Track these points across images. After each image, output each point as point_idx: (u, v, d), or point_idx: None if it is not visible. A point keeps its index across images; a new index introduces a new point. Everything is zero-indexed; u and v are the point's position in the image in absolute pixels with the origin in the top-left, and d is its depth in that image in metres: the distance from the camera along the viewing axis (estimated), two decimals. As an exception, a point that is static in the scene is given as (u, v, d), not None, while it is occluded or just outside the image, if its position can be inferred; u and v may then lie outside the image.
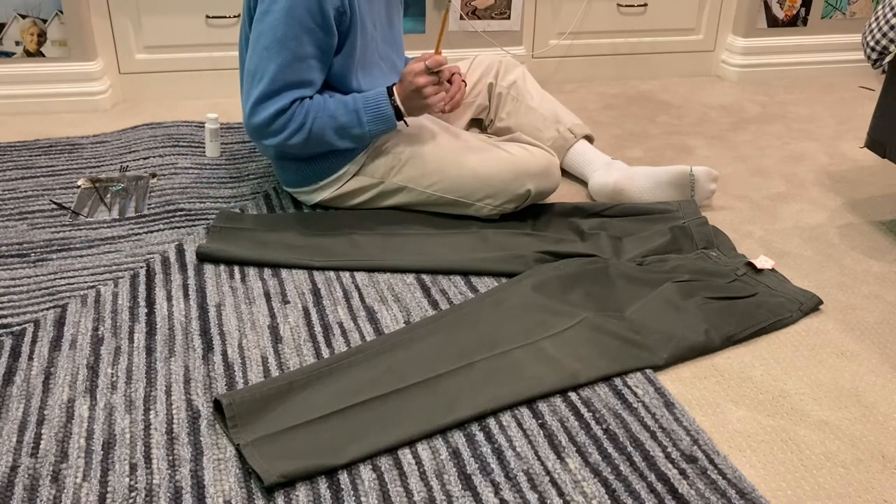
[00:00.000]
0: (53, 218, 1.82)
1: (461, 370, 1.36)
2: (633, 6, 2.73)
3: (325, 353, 1.42)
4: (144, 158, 2.10)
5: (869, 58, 1.77)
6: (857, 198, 2.07)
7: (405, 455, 1.22)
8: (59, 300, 1.54)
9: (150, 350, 1.41)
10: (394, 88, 1.70)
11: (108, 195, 1.93)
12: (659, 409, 1.31)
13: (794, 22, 2.84)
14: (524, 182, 1.77)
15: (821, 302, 1.61)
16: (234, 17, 2.46)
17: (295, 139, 1.68)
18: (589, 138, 2.07)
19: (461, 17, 2.59)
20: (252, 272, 1.64)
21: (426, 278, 1.64)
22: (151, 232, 1.77)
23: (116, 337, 1.45)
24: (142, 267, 1.65)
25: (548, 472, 1.19)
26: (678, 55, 2.86)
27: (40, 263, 1.65)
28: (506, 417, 1.29)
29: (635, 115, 2.55)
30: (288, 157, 1.80)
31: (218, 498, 1.14)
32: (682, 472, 1.19)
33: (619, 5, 2.72)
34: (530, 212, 1.86)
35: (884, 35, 1.71)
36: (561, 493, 1.16)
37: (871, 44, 1.74)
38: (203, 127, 2.26)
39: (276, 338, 1.46)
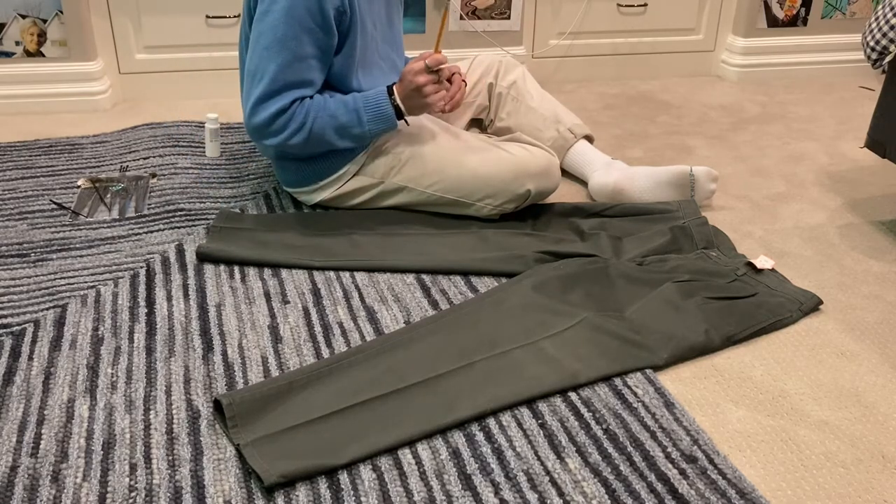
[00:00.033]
0: (53, 218, 1.82)
1: (461, 370, 1.36)
2: (633, 6, 2.73)
3: (325, 353, 1.42)
4: (144, 158, 2.10)
5: (869, 58, 1.77)
6: (857, 198, 2.07)
7: (405, 455, 1.22)
8: (59, 300, 1.54)
9: (150, 350, 1.41)
10: (394, 88, 1.70)
11: (108, 195, 1.93)
12: (659, 409, 1.31)
13: (794, 22, 2.84)
14: (524, 182, 1.77)
15: (821, 302, 1.61)
16: (234, 17, 2.46)
17: (295, 139, 1.68)
18: (589, 138, 2.07)
19: (461, 17, 2.59)
20: (252, 272, 1.64)
21: (426, 278, 1.64)
22: (151, 232, 1.77)
23: (116, 337, 1.45)
24: (142, 267, 1.65)
25: (548, 472, 1.19)
26: (678, 55, 2.86)
27: (40, 263, 1.65)
28: (506, 417, 1.29)
29: (635, 115, 2.55)
30: (288, 157, 1.80)
31: (218, 498, 1.14)
32: (682, 472, 1.19)
33: (619, 5, 2.72)
34: (530, 212, 1.86)
35: (884, 35, 1.71)
36: (561, 493, 1.16)
37: (871, 44, 1.74)
38: (203, 127, 2.26)
39: (276, 338, 1.46)
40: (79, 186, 1.97)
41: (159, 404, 1.30)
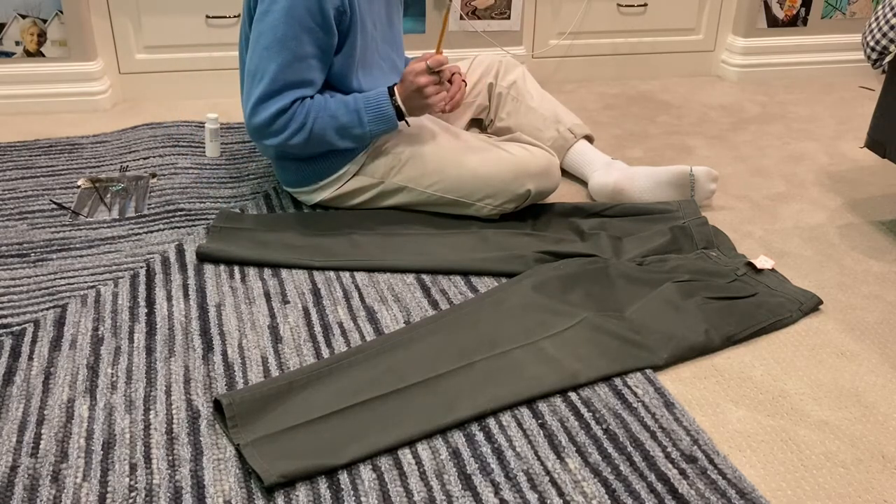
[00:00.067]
0: (53, 218, 1.82)
1: (461, 370, 1.36)
2: (633, 6, 2.73)
3: (325, 353, 1.42)
4: (144, 158, 2.10)
5: (869, 58, 1.77)
6: (857, 198, 2.07)
7: (405, 455, 1.22)
8: (59, 300, 1.54)
9: (150, 350, 1.41)
10: (395, 88, 1.70)
11: (108, 195, 1.93)
12: (659, 409, 1.31)
13: (794, 22, 2.84)
14: (524, 182, 1.77)
15: (821, 302, 1.61)
16: (234, 17, 2.46)
17: (296, 139, 1.68)
18: (589, 138, 2.07)
19: (461, 17, 2.59)
20: (252, 272, 1.64)
21: (426, 278, 1.64)
22: (151, 232, 1.77)
23: (116, 337, 1.45)
24: (142, 267, 1.65)
25: (548, 472, 1.19)
26: (678, 55, 2.86)
27: (40, 263, 1.65)
28: (506, 417, 1.29)
29: (635, 115, 2.55)
30: (288, 157, 1.80)
31: (218, 498, 1.14)
32: (682, 472, 1.19)
33: (619, 5, 2.72)
34: (530, 212, 1.86)
35: (884, 35, 1.71)
36: (561, 493, 1.16)
37: (871, 44, 1.74)
38: (203, 127, 2.26)
39: (276, 338, 1.46)
40: (79, 186, 1.97)
41: (159, 404, 1.30)
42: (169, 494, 1.14)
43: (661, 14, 2.77)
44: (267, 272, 1.64)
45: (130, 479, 1.16)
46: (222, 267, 1.66)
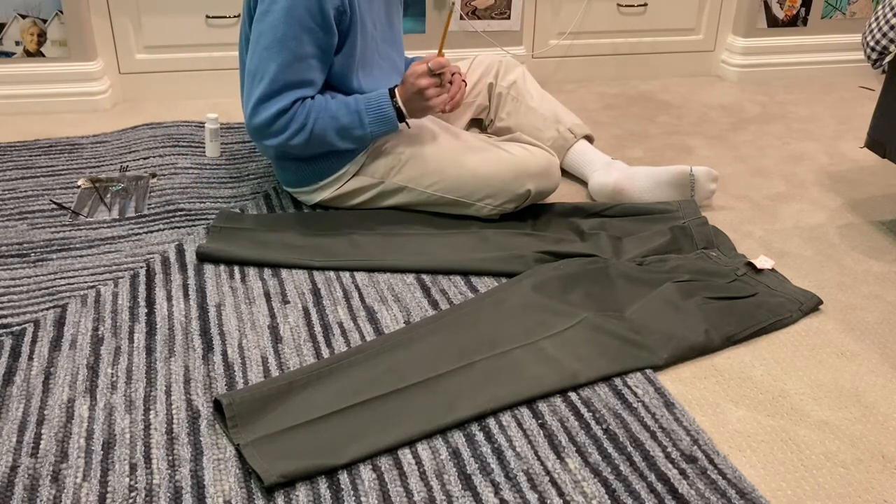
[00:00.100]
0: (53, 218, 1.82)
1: (461, 370, 1.36)
2: (633, 6, 2.73)
3: (325, 353, 1.42)
4: (144, 158, 2.10)
5: (869, 58, 1.77)
6: (857, 198, 2.07)
7: (405, 455, 1.22)
8: (59, 300, 1.54)
9: (150, 350, 1.41)
10: (395, 90, 1.70)
11: (108, 195, 1.93)
12: (659, 409, 1.31)
13: (794, 22, 2.84)
14: (524, 182, 1.77)
15: (821, 302, 1.61)
16: (234, 17, 2.46)
17: (296, 140, 1.68)
18: (589, 138, 2.07)
19: (461, 17, 2.59)
20: (252, 272, 1.64)
21: (426, 278, 1.64)
22: (151, 232, 1.77)
23: (116, 337, 1.45)
24: (142, 267, 1.65)
25: (548, 472, 1.19)
26: (678, 55, 2.86)
27: (40, 263, 1.65)
28: (506, 417, 1.29)
29: (635, 115, 2.55)
30: (288, 157, 1.80)
31: (218, 498, 1.14)
32: (682, 472, 1.19)
33: (619, 5, 2.72)
34: (530, 212, 1.86)
35: (884, 35, 1.71)
36: (561, 493, 1.16)
37: (871, 44, 1.74)
38: (203, 127, 2.26)
39: (276, 338, 1.46)
40: (79, 186, 1.97)
41: (159, 404, 1.30)
42: (169, 494, 1.14)
43: (661, 14, 2.77)
44: (267, 272, 1.64)
45: (130, 479, 1.16)
46: (222, 267, 1.66)
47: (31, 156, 2.11)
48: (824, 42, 2.88)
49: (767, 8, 2.79)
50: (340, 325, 1.50)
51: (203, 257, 1.67)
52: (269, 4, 1.62)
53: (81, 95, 2.41)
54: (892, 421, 1.34)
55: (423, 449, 1.23)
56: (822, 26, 2.86)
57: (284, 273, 1.64)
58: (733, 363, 1.45)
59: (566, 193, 2.01)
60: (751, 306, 1.56)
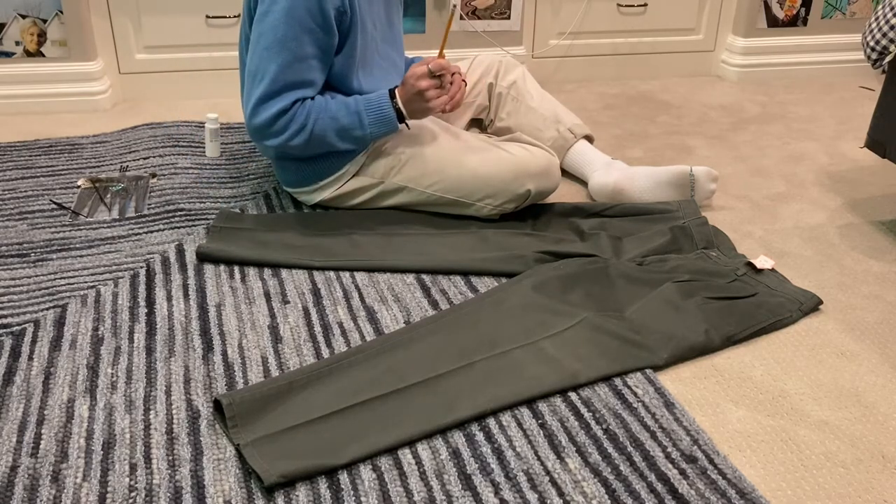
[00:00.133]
0: (53, 218, 1.82)
1: (461, 370, 1.36)
2: (633, 6, 2.73)
3: (325, 353, 1.42)
4: (144, 158, 2.10)
5: (869, 58, 1.77)
6: (857, 198, 2.07)
7: (405, 455, 1.22)
8: (59, 300, 1.54)
9: (150, 350, 1.41)
10: (396, 91, 1.70)
11: (108, 195, 1.93)
12: (659, 409, 1.31)
13: (794, 22, 2.84)
14: (524, 182, 1.77)
15: (821, 302, 1.61)
16: (234, 17, 2.46)
17: (296, 140, 1.68)
18: (589, 138, 2.07)
19: (461, 17, 2.59)
20: (252, 272, 1.64)
21: (426, 278, 1.64)
22: (151, 232, 1.77)
23: (116, 337, 1.45)
24: (142, 267, 1.65)
25: (548, 472, 1.19)
26: (678, 55, 2.86)
27: (40, 263, 1.65)
28: (506, 417, 1.29)
29: (635, 115, 2.55)
30: (288, 157, 1.80)
31: (218, 498, 1.14)
32: (682, 472, 1.19)
33: (619, 5, 2.72)
34: (530, 212, 1.86)
35: (884, 35, 1.71)
36: (561, 493, 1.16)
37: (871, 44, 1.74)
38: (203, 127, 2.26)
39: (276, 338, 1.46)
40: (79, 186, 1.97)
41: (159, 404, 1.30)
42: (169, 494, 1.14)
43: (661, 14, 2.77)
44: (267, 272, 1.64)
45: (130, 479, 1.16)
46: (222, 267, 1.66)
47: (31, 156, 2.11)
48: (824, 42, 2.88)
49: (767, 8, 2.79)
50: (340, 325, 1.50)
51: (203, 257, 1.67)
52: (270, 5, 1.62)
53: (81, 95, 2.41)
54: (892, 421, 1.34)
55: (423, 449, 1.23)
56: (822, 26, 2.86)
57: (284, 273, 1.64)
58: (733, 363, 1.45)
59: (566, 193, 2.01)
60: (751, 306, 1.56)
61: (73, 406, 1.29)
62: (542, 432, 1.26)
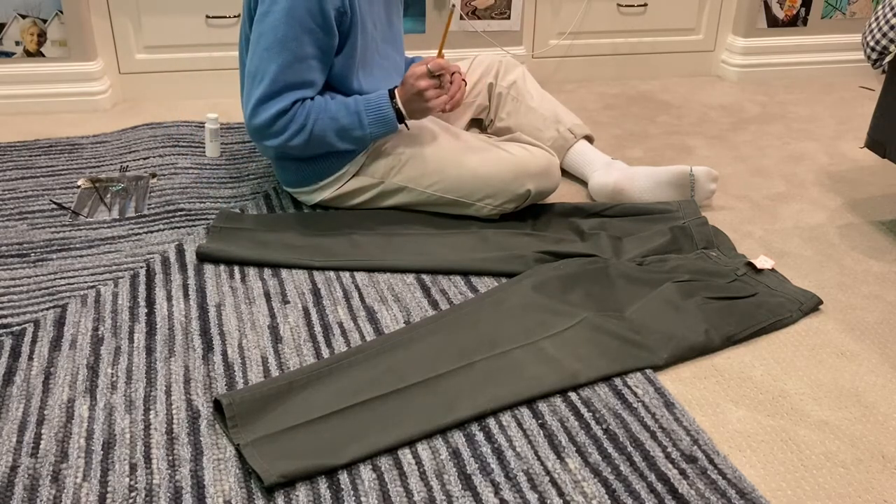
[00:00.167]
0: (53, 218, 1.82)
1: (461, 370, 1.36)
2: (633, 6, 2.73)
3: (325, 353, 1.42)
4: (144, 158, 2.10)
5: (869, 58, 1.77)
6: (857, 198, 2.07)
7: (405, 455, 1.22)
8: (59, 300, 1.54)
9: (150, 350, 1.41)
10: (395, 91, 1.70)
11: (108, 195, 1.93)
12: (659, 409, 1.31)
13: (794, 22, 2.84)
14: (524, 182, 1.77)
15: (821, 302, 1.61)
16: (234, 17, 2.46)
17: (296, 140, 1.68)
18: (589, 138, 2.07)
19: (461, 17, 2.59)
20: (252, 272, 1.64)
21: (426, 278, 1.64)
22: (151, 232, 1.77)
23: (116, 337, 1.45)
24: (142, 267, 1.65)
25: (548, 472, 1.19)
26: (678, 55, 2.86)
27: (40, 263, 1.65)
28: (506, 417, 1.29)
29: (635, 115, 2.55)
30: (288, 157, 1.80)
31: (218, 498, 1.14)
32: (682, 472, 1.19)
33: (619, 5, 2.72)
34: (530, 212, 1.86)
35: (884, 35, 1.71)
36: (561, 493, 1.16)
37: (871, 44, 1.74)
38: (203, 127, 2.26)
39: (276, 338, 1.46)
40: (79, 186, 1.97)
41: (159, 404, 1.30)
42: (169, 494, 1.14)
43: (661, 14, 2.77)
44: (267, 272, 1.64)
45: (130, 479, 1.16)
46: (222, 267, 1.66)
47: (31, 156, 2.11)
48: (824, 42, 2.88)
49: (767, 8, 2.79)
50: (340, 325, 1.50)
51: (203, 257, 1.67)
52: (270, 5, 1.62)
53: (81, 95, 2.41)
54: (892, 421, 1.34)
55: (423, 449, 1.23)
56: (822, 26, 2.86)
57: (284, 273, 1.64)
58: (733, 363, 1.45)
59: (566, 193, 2.01)
60: (751, 306, 1.56)
61: (73, 406, 1.29)
62: (542, 432, 1.26)
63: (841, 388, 1.41)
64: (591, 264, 1.64)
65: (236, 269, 1.65)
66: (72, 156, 2.12)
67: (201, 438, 1.23)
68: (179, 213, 1.84)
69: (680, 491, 1.16)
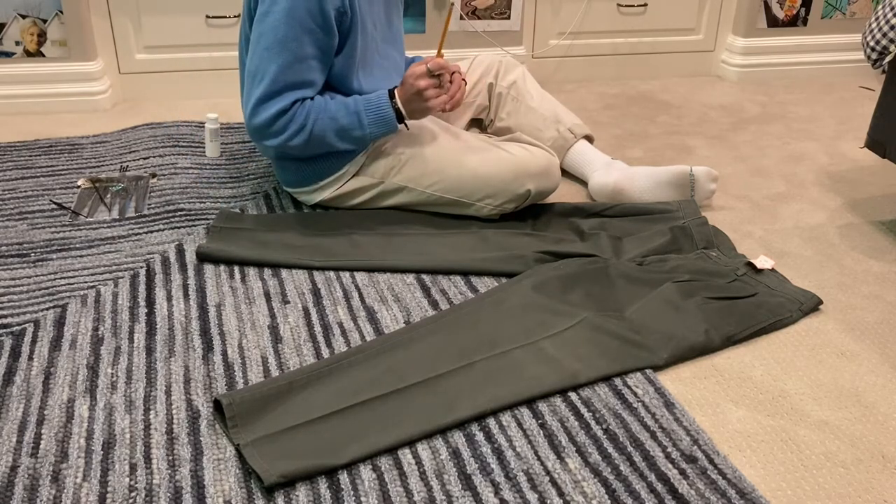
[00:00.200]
0: (53, 218, 1.82)
1: (461, 370, 1.36)
2: (633, 6, 2.73)
3: (325, 353, 1.42)
4: (144, 158, 2.10)
5: (869, 58, 1.77)
6: (857, 198, 2.07)
7: (405, 455, 1.22)
8: (59, 300, 1.54)
9: (150, 350, 1.41)
10: (395, 91, 1.70)
11: (108, 195, 1.93)
12: (659, 409, 1.31)
13: (794, 22, 2.84)
14: (524, 182, 1.77)
15: (821, 302, 1.61)
16: (234, 17, 2.46)
17: (296, 140, 1.68)
18: (589, 138, 2.07)
19: (461, 17, 2.59)
20: (252, 272, 1.64)
21: (426, 278, 1.64)
22: (151, 232, 1.77)
23: (116, 337, 1.45)
24: (142, 267, 1.65)
25: (548, 472, 1.19)
26: (678, 55, 2.86)
27: (40, 263, 1.65)
28: (506, 417, 1.29)
29: (635, 115, 2.55)
30: (288, 157, 1.80)
31: (218, 498, 1.14)
32: (682, 472, 1.19)
33: (619, 5, 2.72)
34: (530, 212, 1.86)
35: (884, 35, 1.71)
36: (561, 493, 1.16)
37: (871, 44, 1.74)
38: (203, 127, 2.26)
39: (276, 338, 1.46)
40: (79, 186, 1.97)
41: (159, 404, 1.30)
42: (169, 494, 1.14)
43: (661, 14, 2.77)
44: (267, 272, 1.64)
45: (130, 479, 1.16)
46: (222, 267, 1.66)
47: (31, 156, 2.11)
48: (824, 42, 2.88)
49: (767, 8, 2.79)
50: (340, 325, 1.50)
51: (203, 257, 1.67)
52: (270, 5, 1.62)
53: (81, 95, 2.41)
54: (892, 421, 1.34)
55: (423, 449, 1.23)
56: (822, 26, 2.86)
57: (284, 273, 1.64)
58: (733, 363, 1.45)
59: (566, 193, 2.01)
60: (751, 306, 1.56)
61: (73, 406, 1.29)
62: (542, 432, 1.26)
63: (841, 388, 1.41)
64: (591, 264, 1.64)
65: (236, 269, 1.65)
66: (72, 156, 2.12)
67: (201, 438, 1.23)
68: (179, 213, 1.84)
69: (680, 491, 1.16)
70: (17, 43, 2.34)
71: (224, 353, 1.41)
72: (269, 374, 1.37)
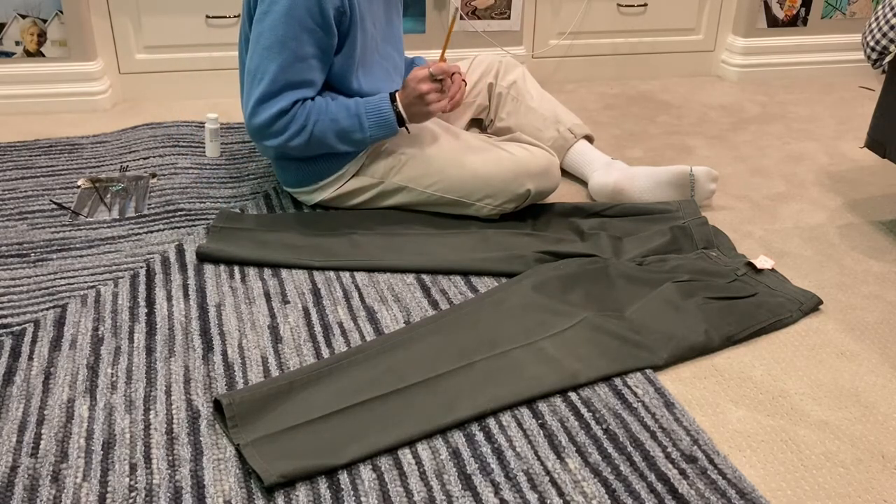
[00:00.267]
0: (53, 218, 1.82)
1: (461, 370, 1.36)
2: (633, 6, 2.73)
3: (325, 353, 1.42)
4: (144, 158, 2.10)
5: (869, 58, 1.77)
6: (857, 198, 2.07)
7: (405, 455, 1.22)
8: (59, 300, 1.54)
9: (150, 350, 1.41)
10: (396, 94, 1.70)
11: (108, 195, 1.93)
12: (659, 409, 1.31)
13: (794, 22, 2.84)
14: (524, 182, 1.77)
15: (821, 302, 1.61)
16: (234, 17, 2.46)
17: (296, 141, 1.68)
18: (589, 138, 2.07)
19: (461, 17, 2.59)
20: (252, 272, 1.64)
21: (426, 278, 1.64)
22: (151, 232, 1.77)
23: (116, 337, 1.45)
24: (142, 267, 1.65)
25: (548, 472, 1.19)
26: (678, 55, 2.86)
27: (40, 263, 1.65)
28: (506, 417, 1.29)
29: (635, 115, 2.55)
30: (288, 157, 1.80)
31: (218, 498, 1.14)
32: (682, 472, 1.19)
33: (619, 5, 2.72)
34: (530, 212, 1.86)
35: (884, 35, 1.71)
36: (561, 493, 1.16)
37: (871, 44, 1.74)
38: (203, 127, 2.26)
39: (276, 338, 1.46)
40: (79, 186, 1.97)
41: (159, 404, 1.30)
42: (169, 494, 1.14)
43: (661, 14, 2.77)
44: (267, 272, 1.64)
45: (130, 479, 1.16)
46: (222, 267, 1.66)
47: (31, 156, 2.11)
48: (824, 42, 2.88)
49: (767, 8, 2.79)
50: (340, 325, 1.50)
51: (203, 257, 1.67)
52: (270, 5, 1.62)
53: (81, 95, 2.41)
54: (892, 421, 1.34)
55: (423, 449, 1.23)
56: (822, 26, 2.86)
57: (284, 273, 1.64)
58: (733, 363, 1.45)
59: (566, 193, 2.01)
60: (751, 306, 1.56)
61: (73, 406, 1.29)
62: (542, 432, 1.26)
63: (841, 388, 1.41)
64: (591, 264, 1.64)
65: (236, 269, 1.65)
66: (72, 156, 2.12)
67: (201, 438, 1.23)
68: (179, 213, 1.84)
69: (680, 491, 1.16)
70: (17, 43, 2.34)
71: (224, 353, 1.41)
72: (269, 374, 1.37)
